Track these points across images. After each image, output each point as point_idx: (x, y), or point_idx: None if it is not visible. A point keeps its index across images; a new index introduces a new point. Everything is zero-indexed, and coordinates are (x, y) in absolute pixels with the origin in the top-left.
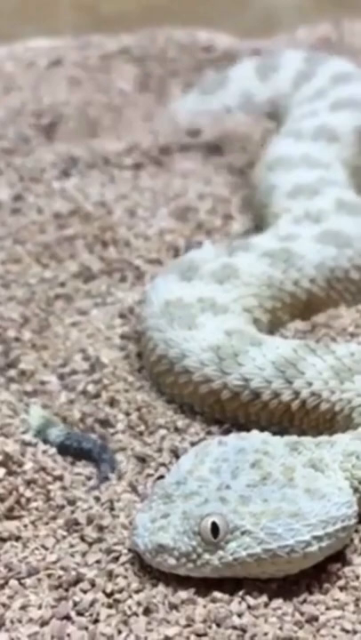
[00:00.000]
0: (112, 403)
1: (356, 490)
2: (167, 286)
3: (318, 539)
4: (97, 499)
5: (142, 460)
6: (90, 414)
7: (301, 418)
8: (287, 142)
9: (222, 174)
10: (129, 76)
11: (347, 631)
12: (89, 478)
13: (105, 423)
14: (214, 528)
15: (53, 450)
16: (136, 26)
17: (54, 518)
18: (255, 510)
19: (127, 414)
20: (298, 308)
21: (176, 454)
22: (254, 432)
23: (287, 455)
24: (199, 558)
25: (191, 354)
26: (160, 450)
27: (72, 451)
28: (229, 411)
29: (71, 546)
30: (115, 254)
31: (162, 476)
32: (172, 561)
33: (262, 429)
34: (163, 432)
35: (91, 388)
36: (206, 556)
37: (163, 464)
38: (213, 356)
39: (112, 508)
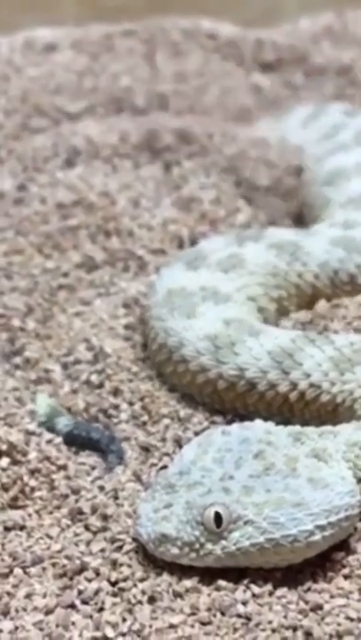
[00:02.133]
0: (115, 392)
1: (359, 480)
2: (172, 275)
3: (321, 528)
4: (101, 488)
5: (146, 449)
6: (93, 404)
7: (302, 409)
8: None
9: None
10: (134, 59)
11: (351, 619)
12: (93, 468)
13: (109, 413)
14: (217, 518)
15: (58, 439)
16: (138, 18)
17: (58, 507)
18: (258, 500)
19: (131, 404)
20: (304, 299)
21: (179, 444)
22: (258, 422)
23: (290, 445)
24: (202, 548)
25: (188, 342)
26: (164, 439)
27: (80, 440)
28: (227, 401)
29: (75, 535)
30: (118, 244)
31: (165, 466)
32: (175, 550)
33: (265, 419)
34: (166, 422)
35: (94, 377)
36: (209, 545)
37: (166, 453)
38: (210, 344)
39: (116, 497)
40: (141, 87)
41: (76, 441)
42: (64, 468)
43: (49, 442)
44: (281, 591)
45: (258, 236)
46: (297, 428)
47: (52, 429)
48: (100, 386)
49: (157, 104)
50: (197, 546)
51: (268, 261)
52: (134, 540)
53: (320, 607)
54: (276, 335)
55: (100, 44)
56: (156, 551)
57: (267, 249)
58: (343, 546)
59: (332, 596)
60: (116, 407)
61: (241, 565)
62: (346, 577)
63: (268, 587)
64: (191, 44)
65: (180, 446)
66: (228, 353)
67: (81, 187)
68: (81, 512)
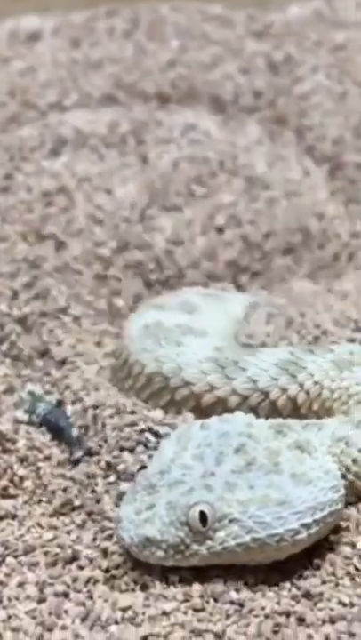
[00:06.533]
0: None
1: (344, 476)
2: (143, 315)
3: (307, 526)
4: (88, 476)
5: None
6: None
7: (307, 409)
8: None
9: None
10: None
11: (344, 604)
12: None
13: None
14: (202, 517)
15: (44, 427)
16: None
17: (48, 496)
18: (242, 498)
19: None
20: None
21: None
22: (238, 414)
23: (272, 438)
24: (188, 549)
25: (187, 366)
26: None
27: (50, 426)
28: None
29: (66, 524)
30: None
31: (144, 467)
32: (160, 553)
33: None
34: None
35: None
36: (195, 546)
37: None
38: (213, 365)
39: (101, 484)
40: (130, 75)
41: (49, 427)
42: (51, 457)
43: (36, 430)
44: (273, 578)
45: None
46: (279, 420)
47: (34, 414)
48: None
49: (146, 92)
50: (183, 547)
51: None
52: None
53: (312, 593)
54: (273, 352)
55: (86, 28)
56: (141, 555)
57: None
58: (335, 531)
59: (323, 582)
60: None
61: (226, 563)
62: (337, 563)
63: (261, 574)
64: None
65: (158, 436)
66: (235, 369)
67: (66, 175)
68: (70, 501)
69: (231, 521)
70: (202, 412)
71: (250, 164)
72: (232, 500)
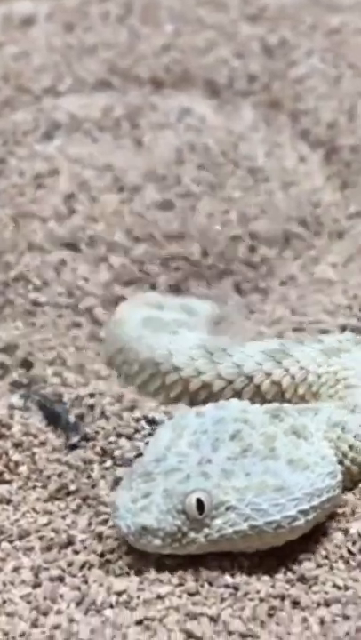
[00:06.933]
0: None
1: (340, 462)
2: (141, 310)
3: (304, 512)
4: (84, 461)
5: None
6: None
7: (292, 394)
8: None
9: None
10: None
11: (339, 587)
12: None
13: None
14: (199, 505)
15: (40, 413)
16: None
17: (43, 481)
18: (239, 485)
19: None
20: None
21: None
22: (233, 400)
23: (268, 423)
24: (185, 537)
25: (178, 352)
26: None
27: (47, 412)
28: None
29: (61, 509)
30: None
31: (140, 454)
32: (157, 542)
33: None
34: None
35: None
36: (192, 534)
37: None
38: (202, 351)
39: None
40: (124, 60)
41: (44, 411)
42: (46, 442)
43: (31, 415)
44: (268, 563)
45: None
46: (274, 405)
47: (29, 400)
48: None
49: (141, 77)
50: (180, 535)
51: None
52: None
53: (307, 577)
54: (264, 342)
55: (79, 13)
56: (138, 543)
57: None
58: (331, 517)
59: (318, 566)
60: None
61: (223, 550)
62: (332, 548)
63: (256, 558)
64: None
65: (154, 422)
66: (222, 355)
67: (59, 159)
68: (65, 486)
69: (228, 508)
70: (190, 396)
71: (250, 154)
72: (229, 488)
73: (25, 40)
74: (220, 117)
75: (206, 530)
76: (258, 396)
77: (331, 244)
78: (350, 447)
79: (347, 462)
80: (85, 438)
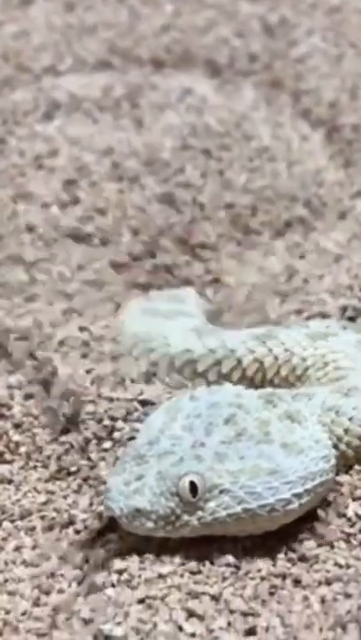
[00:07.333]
0: None
1: (335, 446)
2: (140, 303)
3: (298, 496)
4: (84, 442)
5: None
6: None
7: (274, 374)
8: None
9: None
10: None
11: (340, 566)
12: None
13: None
14: (193, 487)
15: (40, 394)
16: None
17: (44, 462)
18: (232, 468)
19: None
20: None
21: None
22: (227, 385)
23: (262, 408)
24: (178, 520)
25: (172, 335)
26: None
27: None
28: (212, 382)
29: (62, 489)
30: None
31: (133, 437)
32: (150, 524)
33: None
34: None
35: None
36: (185, 517)
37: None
38: (194, 333)
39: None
40: (125, 40)
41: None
42: (45, 424)
43: (30, 396)
44: (269, 542)
45: None
46: (268, 390)
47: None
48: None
49: (141, 57)
50: (173, 518)
51: None
52: None
53: (308, 556)
54: (255, 329)
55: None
56: (130, 526)
57: None
58: (328, 498)
59: (319, 545)
60: None
61: (216, 534)
62: (332, 527)
63: (257, 538)
64: None
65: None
66: (210, 336)
67: (59, 139)
68: (65, 466)
69: (222, 491)
70: (176, 372)
71: (254, 134)
72: (222, 471)
73: (25, 19)
74: (220, 97)
75: (200, 513)
76: (244, 378)
77: (335, 224)
78: (345, 431)
79: (342, 446)
80: (82, 420)
